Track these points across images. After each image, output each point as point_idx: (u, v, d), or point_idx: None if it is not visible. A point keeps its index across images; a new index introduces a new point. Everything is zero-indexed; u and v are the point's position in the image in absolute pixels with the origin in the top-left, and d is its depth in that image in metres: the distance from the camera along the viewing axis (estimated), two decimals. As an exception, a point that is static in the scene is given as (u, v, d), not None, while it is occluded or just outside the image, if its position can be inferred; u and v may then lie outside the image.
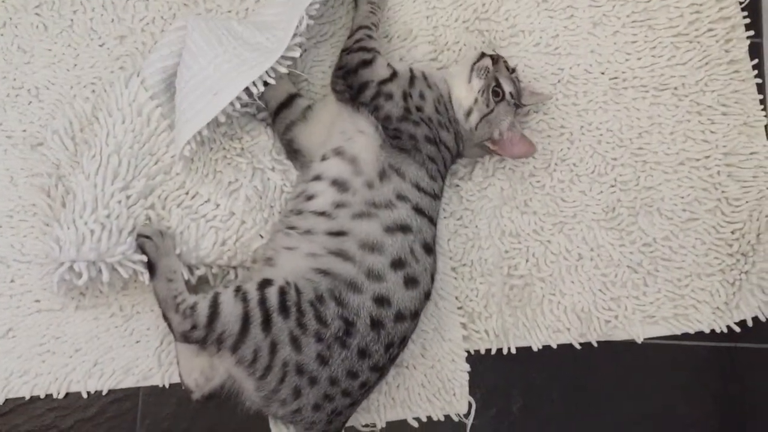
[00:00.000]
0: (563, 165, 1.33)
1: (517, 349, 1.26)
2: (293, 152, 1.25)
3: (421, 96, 1.19)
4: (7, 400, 1.19)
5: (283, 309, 1.04)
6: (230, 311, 1.04)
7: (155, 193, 1.17)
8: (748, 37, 1.38)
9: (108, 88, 1.23)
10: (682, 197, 1.32)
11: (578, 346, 1.27)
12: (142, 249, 1.12)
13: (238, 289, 1.05)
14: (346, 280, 1.07)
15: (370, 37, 1.23)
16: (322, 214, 1.12)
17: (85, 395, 1.20)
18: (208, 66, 1.12)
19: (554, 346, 1.27)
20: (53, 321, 1.22)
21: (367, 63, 1.18)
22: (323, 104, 1.26)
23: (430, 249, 1.14)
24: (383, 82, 1.17)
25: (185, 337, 1.07)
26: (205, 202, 1.18)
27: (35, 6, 1.34)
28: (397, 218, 1.10)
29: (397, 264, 1.08)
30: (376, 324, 1.06)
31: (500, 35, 1.38)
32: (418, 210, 1.13)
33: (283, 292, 1.05)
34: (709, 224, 1.31)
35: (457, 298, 1.27)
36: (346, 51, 1.22)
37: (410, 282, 1.09)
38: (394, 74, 1.19)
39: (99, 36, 1.33)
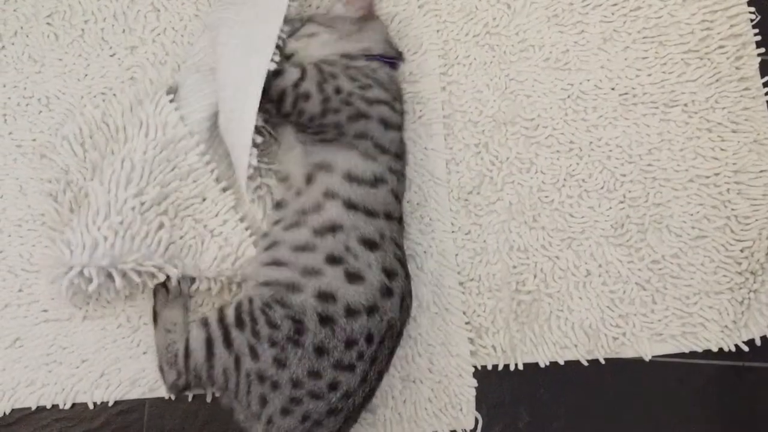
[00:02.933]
0: (572, 180, 1.33)
1: (524, 365, 1.26)
2: None
3: (333, 75, 1.16)
4: (13, 410, 1.19)
5: (239, 321, 1.06)
6: (197, 342, 1.07)
7: (169, 200, 1.16)
8: (758, 55, 1.38)
9: (125, 110, 1.24)
10: (692, 214, 1.32)
11: (585, 363, 1.26)
12: (153, 295, 1.16)
13: (202, 319, 1.09)
14: (284, 283, 1.07)
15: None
16: (264, 235, 1.15)
17: (91, 406, 1.20)
18: (231, 38, 1.13)
19: (561, 362, 1.26)
20: (60, 331, 1.22)
21: (277, 73, 1.13)
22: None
23: (372, 244, 1.10)
24: (296, 84, 1.13)
25: (175, 388, 1.10)
26: (215, 216, 1.18)
27: (46, 15, 1.34)
28: (326, 220, 1.09)
29: (333, 260, 1.08)
30: (325, 320, 1.05)
31: (510, 50, 1.38)
32: (351, 205, 1.10)
33: (238, 306, 1.08)
34: (718, 242, 1.30)
35: (464, 313, 1.27)
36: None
37: (352, 277, 1.07)
38: (303, 71, 1.15)
39: (110, 46, 1.34)
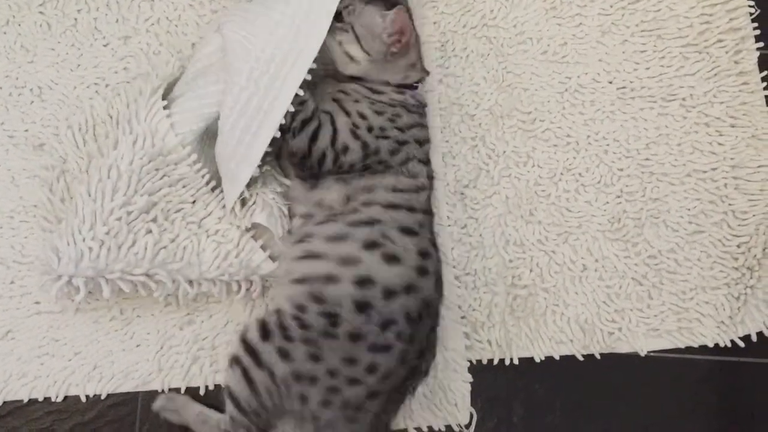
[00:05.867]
0: (569, 175, 1.32)
1: (520, 359, 1.25)
2: None
3: (361, 115, 1.15)
4: (5, 402, 1.18)
5: (265, 334, 1.05)
6: (237, 382, 1.05)
7: (158, 206, 1.13)
8: (757, 49, 1.37)
9: (129, 102, 1.22)
10: (689, 209, 1.31)
11: (581, 358, 1.26)
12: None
13: (231, 359, 1.07)
14: (321, 276, 1.06)
15: (302, 103, 1.12)
16: (289, 232, 1.15)
17: (83, 399, 1.19)
18: (247, 84, 1.06)
19: (557, 357, 1.26)
20: (53, 323, 1.21)
21: (315, 134, 1.11)
22: None
23: (410, 231, 1.10)
24: (333, 140, 1.11)
25: None
26: (208, 215, 1.17)
27: (39, 4, 1.33)
28: (363, 217, 1.09)
29: (370, 245, 1.07)
30: (362, 306, 1.04)
31: (508, 42, 1.37)
32: (391, 206, 1.11)
33: (261, 324, 1.06)
34: (715, 237, 1.30)
35: (460, 307, 1.26)
36: (289, 134, 1.11)
37: (390, 259, 1.07)
38: (333, 123, 1.13)
39: (103, 36, 1.32)
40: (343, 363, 1.03)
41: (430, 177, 1.20)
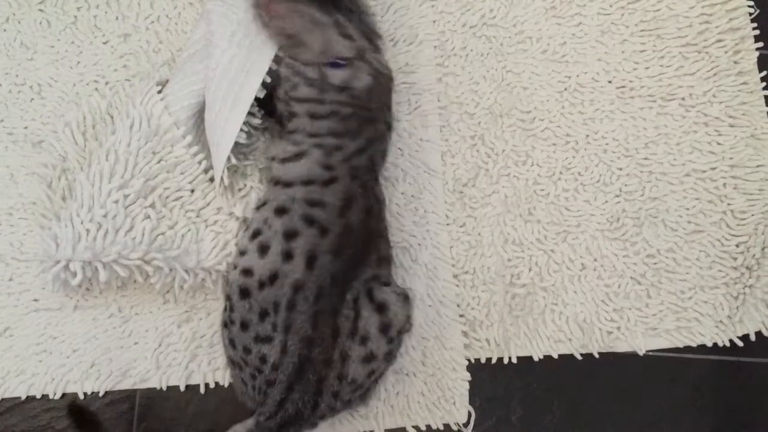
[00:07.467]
0: (568, 174, 1.32)
1: (518, 358, 1.25)
2: None
3: (286, 78, 1.15)
4: (2, 399, 1.18)
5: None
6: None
7: (156, 192, 1.15)
8: (757, 49, 1.37)
9: (123, 96, 1.26)
10: (688, 209, 1.31)
11: (579, 357, 1.26)
12: None
13: None
14: (230, 264, 1.14)
15: None
16: None
17: (81, 396, 1.19)
18: (229, 46, 1.10)
19: (555, 356, 1.26)
20: (51, 321, 1.21)
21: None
22: None
23: (281, 210, 1.09)
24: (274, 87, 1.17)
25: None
26: (207, 205, 1.17)
27: (39, 2, 1.33)
28: (260, 200, 1.15)
29: (254, 235, 1.10)
30: (244, 293, 1.07)
31: (507, 41, 1.37)
32: (277, 182, 1.12)
33: None
34: (714, 237, 1.30)
35: (458, 305, 1.26)
36: None
37: (263, 249, 1.08)
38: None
39: (103, 33, 1.32)
40: (243, 351, 1.07)
41: (326, 146, 1.12)
